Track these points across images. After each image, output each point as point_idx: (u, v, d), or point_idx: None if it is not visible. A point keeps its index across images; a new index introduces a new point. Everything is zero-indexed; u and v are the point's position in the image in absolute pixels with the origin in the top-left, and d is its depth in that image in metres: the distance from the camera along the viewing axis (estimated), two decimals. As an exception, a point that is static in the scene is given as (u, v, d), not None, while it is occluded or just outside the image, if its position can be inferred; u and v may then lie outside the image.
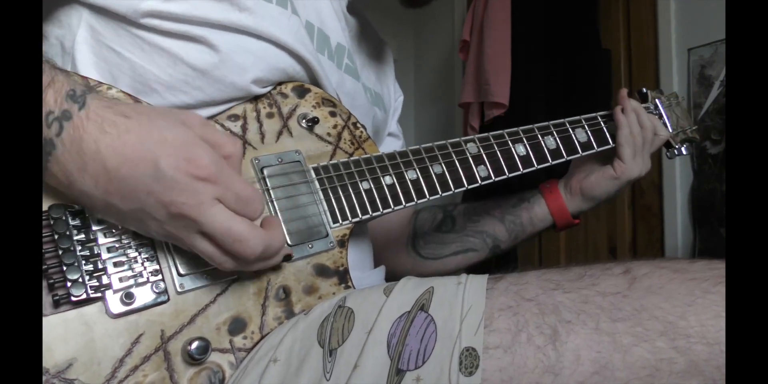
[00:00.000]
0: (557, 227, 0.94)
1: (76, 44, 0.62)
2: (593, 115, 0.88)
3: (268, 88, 0.69)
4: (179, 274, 0.56)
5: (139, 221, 0.52)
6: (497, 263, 2.22)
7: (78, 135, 0.48)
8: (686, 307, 0.50)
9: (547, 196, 0.94)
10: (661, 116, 0.94)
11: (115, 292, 0.53)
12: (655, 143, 0.91)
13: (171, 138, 0.50)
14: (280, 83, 0.70)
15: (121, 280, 0.54)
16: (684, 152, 0.96)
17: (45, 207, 0.53)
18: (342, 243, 0.66)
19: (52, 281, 0.51)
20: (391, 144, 0.99)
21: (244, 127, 0.66)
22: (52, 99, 0.48)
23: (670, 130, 0.94)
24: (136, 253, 0.55)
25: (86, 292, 0.52)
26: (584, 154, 0.85)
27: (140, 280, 0.54)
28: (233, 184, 0.52)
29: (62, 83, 0.49)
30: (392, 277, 0.92)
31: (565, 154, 0.83)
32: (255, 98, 0.68)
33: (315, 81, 0.73)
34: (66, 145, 0.48)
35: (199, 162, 0.50)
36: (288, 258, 0.61)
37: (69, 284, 0.51)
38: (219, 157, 0.52)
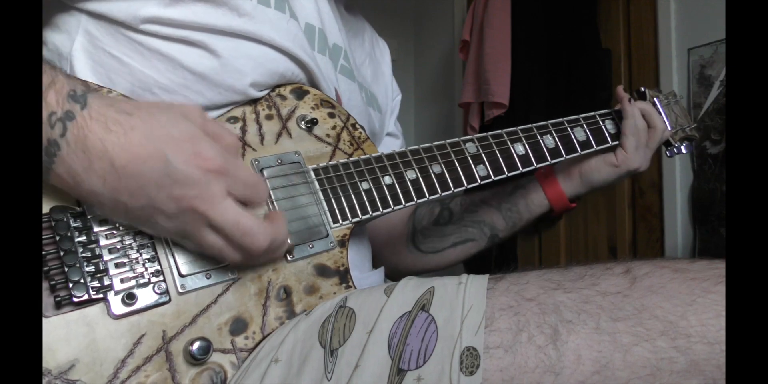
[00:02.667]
0: (554, 211, 0.94)
1: (73, 50, 0.62)
2: (592, 114, 0.89)
3: (266, 92, 0.69)
4: (180, 275, 0.56)
5: (146, 218, 0.52)
6: (497, 263, 2.23)
7: (82, 135, 0.48)
8: (687, 306, 0.50)
9: (543, 180, 0.94)
10: (659, 114, 0.94)
11: (117, 293, 0.53)
12: (660, 141, 0.92)
13: (176, 133, 0.50)
14: (278, 85, 0.70)
15: (122, 281, 0.54)
16: (684, 151, 0.96)
17: (46, 209, 0.53)
18: (342, 243, 0.66)
19: (53, 282, 0.51)
20: (390, 143, 0.99)
21: (243, 129, 0.66)
22: (53, 100, 0.48)
23: (669, 129, 0.94)
24: (138, 254, 0.55)
25: (88, 293, 0.52)
26: (583, 152, 0.85)
27: (142, 281, 0.54)
28: (239, 173, 0.53)
29: (63, 84, 0.49)
30: (394, 275, 0.93)
31: (564, 153, 0.83)
32: (254, 100, 0.68)
33: (313, 83, 0.73)
34: (71, 145, 0.48)
35: (206, 155, 0.51)
36: (288, 252, 0.62)
37: (71, 285, 0.51)
38: (222, 148, 0.53)
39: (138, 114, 0.50)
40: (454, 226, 0.96)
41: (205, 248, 0.54)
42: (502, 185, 0.96)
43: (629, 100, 0.90)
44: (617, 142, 0.89)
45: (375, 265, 0.84)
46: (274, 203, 0.63)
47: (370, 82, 0.93)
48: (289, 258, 0.62)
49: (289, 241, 0.62)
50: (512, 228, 0.96)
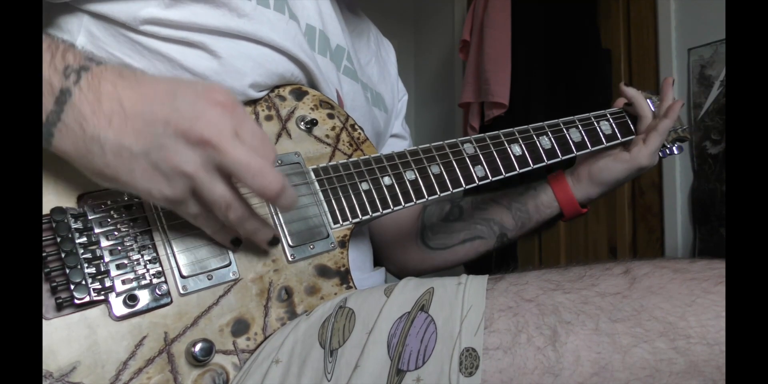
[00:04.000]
0: (565, 215, 0.93)
1: None
2: (586, 115, 0.89)
3: (265, 92, 0.69)
4: (182, 276, 0.56)
5: (151, 167, 0.49)
6: (497, 263, 2.23)
7: (96, 80, 0.48)
8: (686, 307, 0.50)
9: (553, 183, 0.94)
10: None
11: (118, 294, 0.53)
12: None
13: (185, 80, 0.52)
14: (277, 86, 0.70)
15: (123, 282, 0.54)
16: (675, 151, 0.97)
17: (47, 210, 0.53)
18: (343, 243, 0.66)
19: (54, 284, 0.51)
20: (396, 145, 0.99)
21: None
22: (71, 58, 0.49)
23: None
24: (139, 256, 0.55)
25: (89, 294, 0.52)
26: (579, 153, 0.85)
27: (143, 282, 0.55)
28: (247, 119, 0.51)
29: (82, 49, 0.52)
30: (402, 274, 0.93)
31: (560, 154, 0.83)
32: (253, 101, 0.68)
33: (313, 84, 0.73)
34: (83, 90, 0.48)
35: (217, 91, 0.50)
36: (275, 241, 0.60)
37: (72, 287, 0.51)
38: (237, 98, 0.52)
39: (150, 74, 0.52)
40: (464, 223, 0.96)
41: (214, 199, 0.51)
42: (514, 186, 0.96)
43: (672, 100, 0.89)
44: (613, 142, 0.89)
45: (377, 265, 0.84)
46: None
47: (376, 82, 0.93)
48: (290, 258, 0.62)
49: (289, 245, 0.62)
50: (521, 228, 0.95)
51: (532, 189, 0.95)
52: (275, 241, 0.60)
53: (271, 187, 0.49)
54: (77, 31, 0.63)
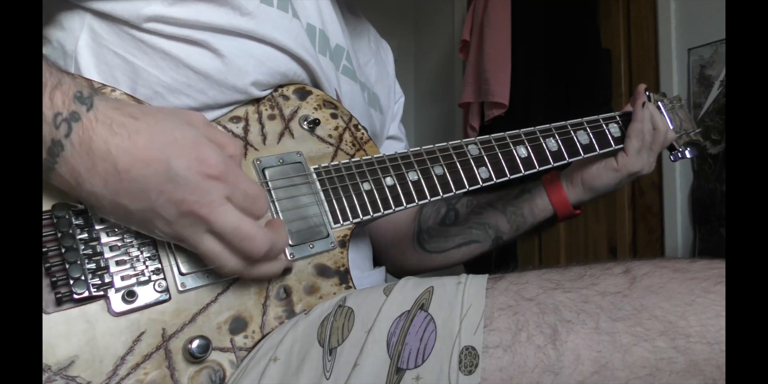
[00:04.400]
0: (558, 218, 0.94)
1: (78, 48, 0.62)
2: (595, 117, 0.88)
3: (268, 91, 0.69)
4: (181, 273, 0.56)
5: (146, 221, 0.52)
6: (497, 263, 2.23)
7: (87, 136, 0.48)
8: (686, 306, 0.50)
9: (548, 186, 0.94)
10: (663, 117, 0.94)
11: (117, 290, 0.53)
12: (664, 144, 0.92)
13: (180, 138, 0.51)
14: (281, 86, 0.70)
15: (123, 278, 0.54)
16: (687, 155, 0.96)
17: (48, 206, 0.53)
18: (343, 243, 0.66)
19: (54, 279, 0.51)
20: (392, 147, 0.99)
21: (246, 129, 0.66)
22: (60, 101, 0.48)
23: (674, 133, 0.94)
24: (138, 252, 0.55)
25: (89, 290, 0.52)
26: (586, 156, 0.85)
27: (142, 278, 0.55)
28: (241, 182, 0.53)
29: (69, 85, 0.49)
30: (400, 275, 0.93)
31: (566, 156, 0.83)
32: (257, 100, 0.68)
33: (315, 83, 0.73)
34: (75, 146, 0.48)
35: (209, 161, 0.51)
36: (288, 271, 0.62)
37: (71, 282, 0.51)
38: (226, 156, 0.53)
39: (144, 118, 0.50)
40: (460, 227, 0.97)
41: (204, 254, 0.53)
42: (509, 188, 0.96)
43: (643, 104, 0.90)
44: (621, 146, 0.89)
45: (377, 265, 0.84)
46: (276, 203, 0.63)
47: (374, 82, 0.93)
48: (289, 258, 0.62)
49: (289, 241, 0.62)
50: (516, 231, 0.96)
51: (527, 192, 0.95)
52: (288, 270, 0.63)
53: (256, 250, 0.53)
54: (79, 29, 0.63)
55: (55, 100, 0.48)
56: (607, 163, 0.90)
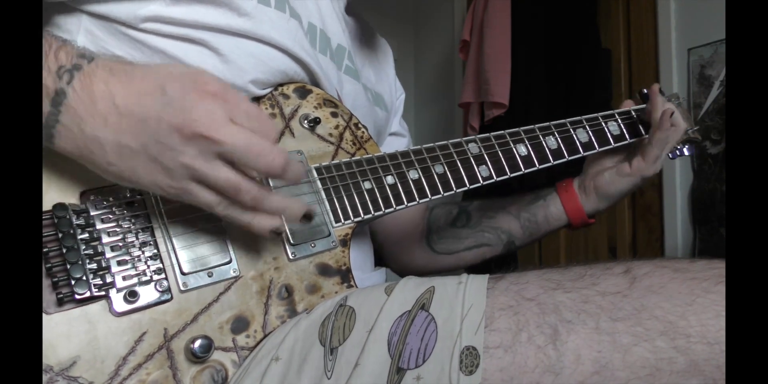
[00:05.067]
0: (572, 226, 0.93)
1: None
2: (594, 115, 0.88)
3: (268, 90, 0.69)
4: (182, 273, 0.56)
5: (151, 162, 0.49)
6: (497, 263, 2.23)
7: (88, 80, 0.49)
8: (686, 306, 0.50)
9: (563, 195, 0.93)
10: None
11: (119, 290, 0.53)
12: (677, 144, 0.90)
13: (175, 70, 0.51)
14: (281, 84, 0.70)
15: (124, 278, 0.54)
16: (686, 153, 0.96)
17: (49, 206, 0.53)
18: (344, 242, 0.66)
19: (56, 279, 0.51)
20: (395, 143, 0.99)
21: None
22: (64, 56, 0.50)
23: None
24: (140, 252, 0.55)
25: (90, 290, 0.52)
26: (586, 153, 0.85)
27: (144, 278, 0.55)
28: (241, 102, 0.51)
29: (73, 46, 0.51)
30: (404, 272, 0.93)
31: (566, 154, 0.83)
32: (257, 99, 0.68)
33: (315, 83, 0.73)
34: (77, 91, 0.49)
35: (205, 81, 0.50)
36: (309, 218, 0.59)
37: (73, 282, 0.51)
38: (226, 82, 0.52)
39: (141, 64, 0.52)
40: (471, 230, 0.96)
41: (223, 184, 0.50)
42: (521, 194, 0.96)
43: (672, 114, 0.86)
44: (621, 143, 0.88)
45: (380, 266, 0.84)
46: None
47: (375, 83, 0.93)
48: (291, 257, 0.62)
49: (290, 243, 0.62)
50: (529, 237, 0.95)
51: (541, 199, 0.94)
52: (309, 216, 0.58)
53: (275, 164, 0.50)
54: (77, 31, 0.63)
55: (59, 57, 0.50)
56: (619, 169, 0.88)
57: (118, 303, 0.53)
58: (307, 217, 0.58)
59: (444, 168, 0.73)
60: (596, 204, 0.91)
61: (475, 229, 0.96)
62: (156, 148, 0.48)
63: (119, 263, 0.54)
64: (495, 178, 0.77)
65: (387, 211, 0.69)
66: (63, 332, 0.51)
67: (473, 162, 0.75)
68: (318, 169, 0.67)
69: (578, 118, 0.86)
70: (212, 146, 0.48)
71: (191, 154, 0.48)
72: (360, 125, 0.74)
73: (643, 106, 0.93)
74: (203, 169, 0.49)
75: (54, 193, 0.54)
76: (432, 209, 1.01)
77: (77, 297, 0.51)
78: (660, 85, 0.93)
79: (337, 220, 0.66)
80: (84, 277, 0.52)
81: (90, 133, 0.49)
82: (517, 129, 0.81)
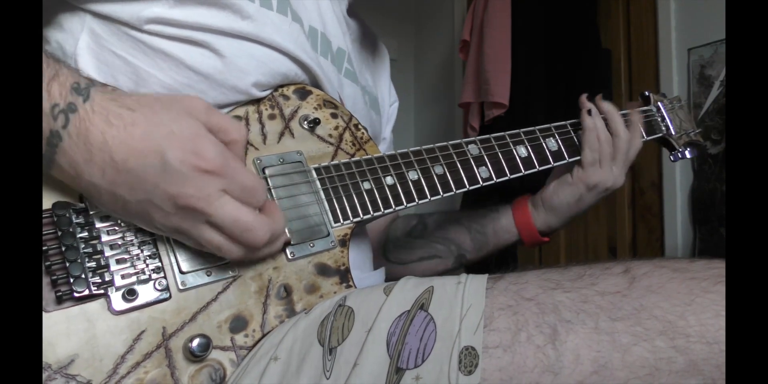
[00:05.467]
0: (524, 242, 0.91)
1: (78, 49, 0.62)
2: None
3: (269, 92, 0.69)
4: (181, 272, 0.56)
5: (144, 213, 0.52)
6: (497, 263, 2.23)
7: (84, 127, 0.48)
8: (686, 306, 0.50)
9: (515, 208, 0.92)
10: (663, 119, 0.94)
11: (118, 289, 0.53)
12: (630, 154, 0.87)
13: (177, 130, 0.50)
14: (281, 85, 0.70)
15: (123, 277, 0.54)
16: (687, 155, 0.96)
17: (48, 204, 0.53)
18: (343, 242, 0.66)
19: (55, 278, 0.51)
20: (380, 148, 0.99)
21: (246, 129, 0.66)
22: (57, 92, 0.48)
23: (674, 133, 0.94)
24: (139, 251, 0.55)
25: (89, 288, 0.52)
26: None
27: (142, 277, 0.55)
28: (238, 175, 0.52)
29: (66, 76, 0.50)
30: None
31: (566, 156, 0.83)
32: (257, 100, 0.68)
33: (317, 85, 0.73)
34: (73, 137, 0.48)
35: (205, 155, 0.50)
36: (286, 244, 0.62)
37: (72, 280, 0.51)
38: (224, 148, 0.53)
39: (140, 109, 0.50)
40: (424, 241, 0.95)
41: (205, 245, 0.54)
42: (478, 208, 0.95)
43: (589, 112, 0.85)
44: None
45: (376, 266, 0.84)
46: (276, 202, 0.63)
47: (371, 87, 0.93)
48: (290, 256, 0.62)
49: (288, 234, 0.62)
50: (479, 250, 0.93)
51: (494, 211, 0.93)
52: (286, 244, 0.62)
53: (258, 240, 0.53)
54: (79, 31, 0.63)
55: (52, 92, 0.48)
56: (562, 178, 0.87)
57: (117, 301, 0.53)
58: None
59: (443, 169, 0.73)
60: (546, 219, 0.89)
61: (428, 239, 0.95)
62: (149, 206, 0.51)
63: (118, 262, 0.54)
64: (495, 179, 0.77)
65: (386, 211, 0.69)
66: (62, 330, 0.51)
67: (473, 163, 0.75)
68: (317, 170, 0.67)
69: (577, 120, 0.87)
70: (202, 217, 0.51)
71: (181, 218, 0.51)
72: (360, 126, 0.74)
73: (649, 107, 0.93)
74: (191, 231, 0.52)
75: (54, 192, 0.54)
76: (395, 219, 1.00)
77: (76, 295, 0.51)
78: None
79: (336, 221, 0.66)
80: (83, 276, 0.52)
81: (86, 179, 0.50)
82: (517, 130, 0.81)
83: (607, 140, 0.85)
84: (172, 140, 0.50)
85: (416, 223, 0.98)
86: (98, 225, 0.54)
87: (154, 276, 0.55)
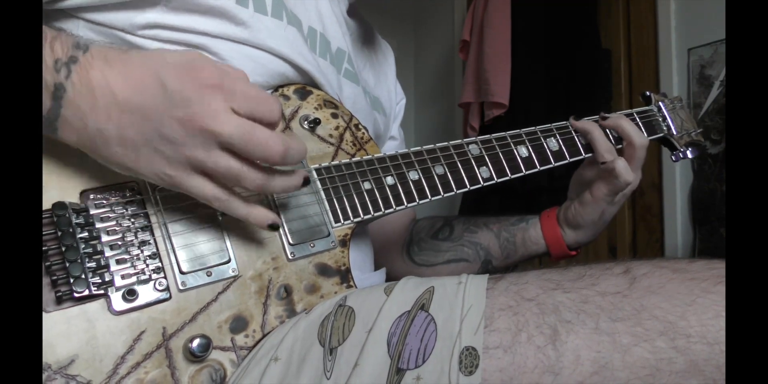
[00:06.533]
0: (552, 255, 0.90)
1: None
2: (595, 117, 0.88)
3: (269, 92, 0.69)
4: (181, 272, 0.56)
5: (155, 153, 0.51)
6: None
7: (85, 73, 0.49)
8: (686, 306, 0.50)
9: (544, 221, 0.91)
10: (665, 119, 0.94)
11: (118, 289, 0.53)
12: (641, 158, 0.86)
13: (170, 58, 0.51)
14: (281, 86, 0.70)
15: (123, 277, 0.54)
16: (689, 155, 0.95)
17: (48, 205, 0.53)
18: (344, 243, 0.66)
19: (55, 278, 0.51)
20: (391, 146, 0.99)
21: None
22: (59, 48, 0.50)
23: (675, 133, 0.94)
24: (139, 251, 0.55)
25: (89, 288, 0.52)
26: (587, 155, 0.85)
27: (143, 277, 0.55)
28: (238, 85, 0.51)
29: (68, 36, 0.51)
30: (387, 280, 0.92)
31: (567, 156, 0.83)
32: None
33: (315, 86, 0.73)
34: (76, 85, 0.49)
35: (202, 72, 0.50)
36: (306, 182, 0.58)
37: (72, 281, 0.51)
38: (222, 64, 0.53)
39: (135, 51, 0.52)
40: (452, 243, 0.95)
41: (224, 172, 0.52)
42: (508, 215, 0.94)
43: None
44: (619, 146, 0.85)
45: (376, 267, 0.84)
46: (276, 202, 0.63)
47: (373, 87, 0.93)
48: (290, 256, 0.62)
49: (290, 243, 0.62)
50: (506, 258, 0.93)
51: (524, 221, 0.92)
52: (306, 181, 0.58)
53: (272, 152, 0.51)
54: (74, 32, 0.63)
55: (55, 49, 0.49)
56: (581, 198, 0.86)
57: (117, 302, 0.53)
58: (305, 183, 0.58)
59: (444, 169, 0.73)
60: (573, 235, 0.89)
61: (455, 242, 0.94)
62: (159, 140, 0.50)
63: (118, 262, 0.54)
64: (495, 179, 0.76)
65: (387, 211, 0.69)
66: (62, 331, 0.51)
67: (474, 163, 0.75)
68: (318, 170, 0.67)
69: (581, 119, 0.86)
70: (214, 137, 0.49)
71: (193, 146, 0.50)
72: (360, 126, 0.74)
73: (650, 107, 0.93)
74: (204, 159, 0.50)
75: (54, 192, 0.54)
76: (418, 221, 1.00)
77: (76, 295, 0.51)
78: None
79: (337, 221, 0.66)
80: (83, 276, 0.52)
81: (93, 126, 0.50)
82: (518, 130, 0.81)
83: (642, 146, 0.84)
84: (168, 67, 0.50)
85: (442, 225, 0.97)
86: (98, 225, 0.54)
87: (154, 276, 0.55)
